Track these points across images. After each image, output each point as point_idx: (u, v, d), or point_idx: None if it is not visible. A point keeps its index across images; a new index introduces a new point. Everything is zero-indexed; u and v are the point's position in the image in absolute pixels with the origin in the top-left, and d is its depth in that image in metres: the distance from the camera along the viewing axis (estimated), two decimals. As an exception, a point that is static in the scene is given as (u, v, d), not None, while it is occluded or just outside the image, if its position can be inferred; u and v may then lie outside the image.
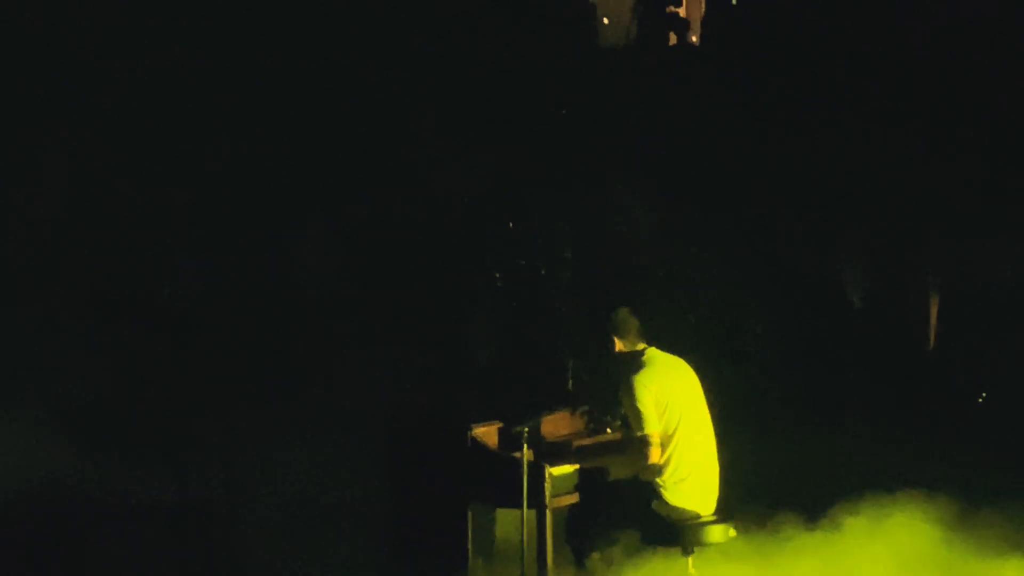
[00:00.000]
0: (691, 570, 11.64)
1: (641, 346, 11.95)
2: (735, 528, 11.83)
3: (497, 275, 14.45)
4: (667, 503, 11.69)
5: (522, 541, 11.62)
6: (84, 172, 14.94)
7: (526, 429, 11.59)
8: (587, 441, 12.41)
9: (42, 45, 15.54)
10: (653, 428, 11.62)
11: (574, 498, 12.06)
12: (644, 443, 11.63)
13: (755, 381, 14.24)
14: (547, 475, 11.74)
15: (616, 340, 11.99)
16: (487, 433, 12.08)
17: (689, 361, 12.07)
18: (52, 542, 12.32)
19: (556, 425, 12.45)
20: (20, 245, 14.66)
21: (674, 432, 11.72)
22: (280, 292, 14.68)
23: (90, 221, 14.75)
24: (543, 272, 14.36)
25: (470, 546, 12.07)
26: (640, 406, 11.68)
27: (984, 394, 14.91)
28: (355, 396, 13.99)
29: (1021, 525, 12.04)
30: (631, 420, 11.84)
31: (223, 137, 15.19)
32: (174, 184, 14.64)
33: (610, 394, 12.36)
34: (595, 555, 11.80)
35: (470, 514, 12.07)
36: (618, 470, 12.05)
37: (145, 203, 14.52)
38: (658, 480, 11.72)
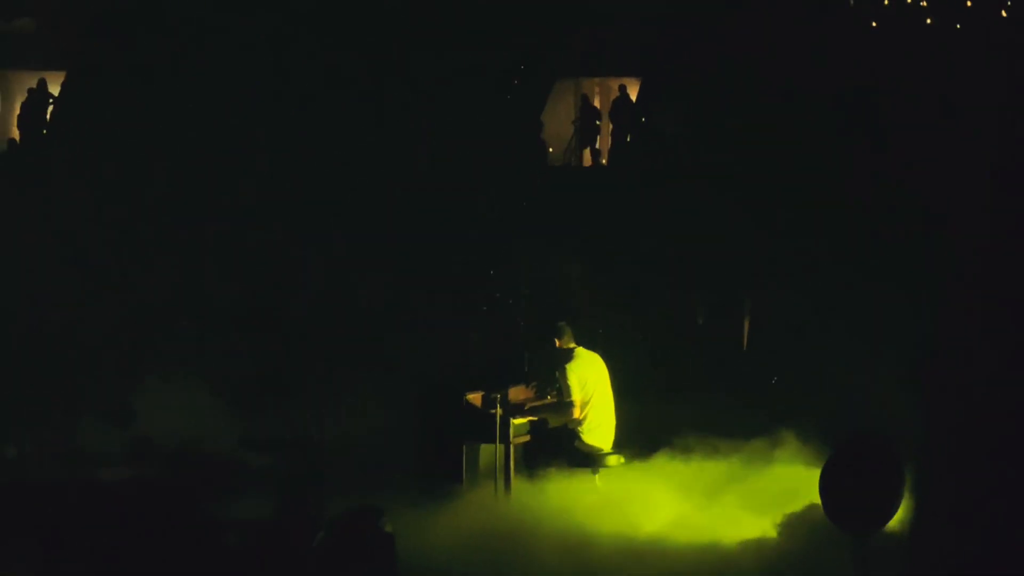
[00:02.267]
0: (597, 482, 14.08)
1: (572, 345, 14.41)
2: (624, 457, 14.25)
3: (484, 307, 16.75)
4: (584, 442, 14.25)
5: (496, 464, 13.91)
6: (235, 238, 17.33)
7: (499, 395, 13.85)
8: (535, 403, 14.50)
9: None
10: (576, 396, 14.18)
11: (527, 438, 14.26)
12: (570, 406, 14.21)
13: (639, 368, 16.10)
14: (511, 424, 13.89)
15: (556, 340, 14.40)
16: (475, 398, 14.19)
17: (601, 354, 14.47)
18: (209, 465, 14.18)
19: (516, 393, 14.45)
20: (185, 280, 17.16)
21: (589, 399, 14.25)
22: (347, 310, 16.75)
23: (235, 267, 17.19)
24: (510, 302, 16.78)
25: (464, 467, 14.01)
26: (569, 382, 14.20)
27: (776, 377, 17.02)
28: (395, 375, 16.17)
29: (791, 449, 14.22)
30: (563, 391, 14.25)
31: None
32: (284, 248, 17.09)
33: (551, 375, 14.48)
34: (539, 472, 14.03)
35: (464, 448, 14.03)
36: (554, 421, 14.35)
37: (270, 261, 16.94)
38: (578, 428, 14.23)
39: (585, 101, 26.90)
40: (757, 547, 12.47)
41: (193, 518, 12.55)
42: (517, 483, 13.90)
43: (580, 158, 25.89)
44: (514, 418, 13.95)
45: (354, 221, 16.76)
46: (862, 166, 15.92)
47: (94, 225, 17.41)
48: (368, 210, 16.78)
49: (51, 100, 25.94)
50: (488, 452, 14.08)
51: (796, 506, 12.76)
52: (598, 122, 26.55)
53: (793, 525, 12.61)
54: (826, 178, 16.21)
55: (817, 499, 11.94)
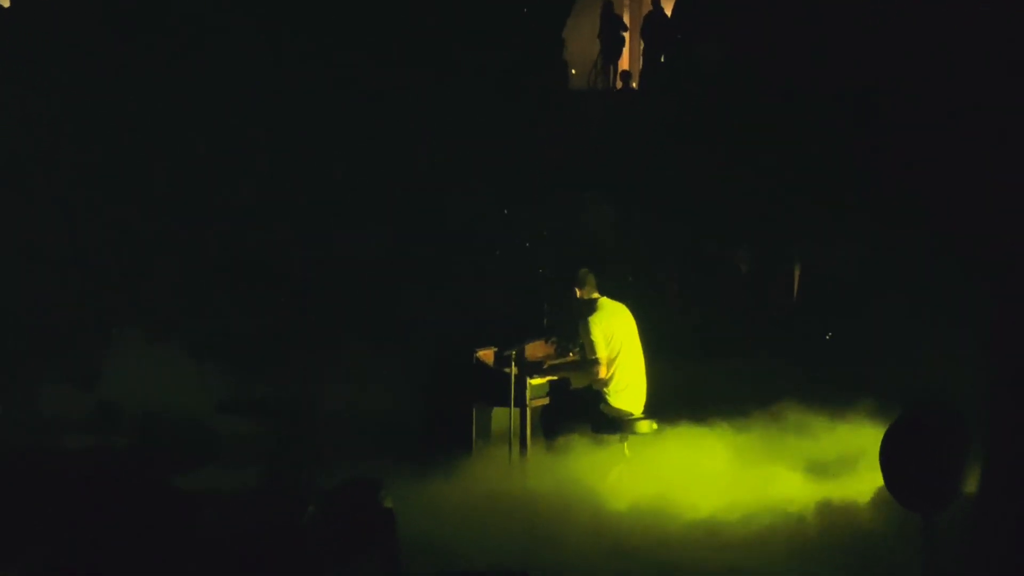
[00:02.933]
0: (626, 451, 13.11)
1: (595, 295, 13.32)
2: (656, 423, 13.24)
3: (497, 252, 15.86)
4: (610, 405, 13.25)
5: (509, 430, 13.04)
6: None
7: (514, 352, 12.97)
8: (556, 361, 13.63)
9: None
10: (602, 353, 13.12)
11: (546, 400, 13.46)
12: (595, 364, 13.17)
13: (673, 323, 15.41)
14: (527, 384, 13.06)
15: (577, 290, 13.30)
16: (487, 355, 13.42)
17: (628, 306, 13.40)
18: (200, 424, 13.36)
19: (534, 350, 13.62)
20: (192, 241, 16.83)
21: (616, 356, 13.18)
22: (357, 267, 16.21)
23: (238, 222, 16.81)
24: (527, 245, 15.82)
25: (474, 433, 13.23)
26: (593, 338, 13.14)
27: (830, 333, 16.08)
28: (400, 332, 15.48)
29: (852, 408, 13.32)
30: (586, 347, 13.26)
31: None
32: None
33: (572, 329, 13.46)
34: (559, 440, 13.17)
35: (474, 411, 13.25)
36: (577, 381, 13.48)
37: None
38: (604, 389, 13.22)
39: (607, 8, 25.40)
40: (810, 521, 11.60)
41: (165, 490, 11.35)
42: (534, 452, 13.10)
43: (607, 80, 24.49)
44: (531, 378, 13.15)
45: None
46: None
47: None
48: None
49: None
50: (501, 416, 13.28)
51: (858, 478, 11.98)
52: (624, 33, 25.20)
53: (856, 498, 11.74)
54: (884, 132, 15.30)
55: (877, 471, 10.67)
